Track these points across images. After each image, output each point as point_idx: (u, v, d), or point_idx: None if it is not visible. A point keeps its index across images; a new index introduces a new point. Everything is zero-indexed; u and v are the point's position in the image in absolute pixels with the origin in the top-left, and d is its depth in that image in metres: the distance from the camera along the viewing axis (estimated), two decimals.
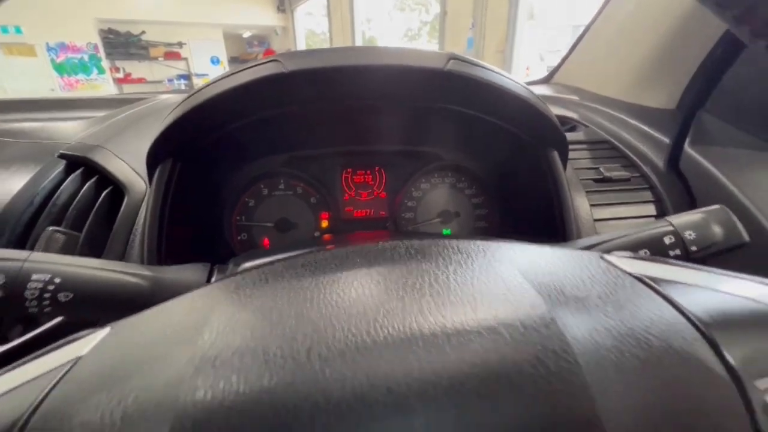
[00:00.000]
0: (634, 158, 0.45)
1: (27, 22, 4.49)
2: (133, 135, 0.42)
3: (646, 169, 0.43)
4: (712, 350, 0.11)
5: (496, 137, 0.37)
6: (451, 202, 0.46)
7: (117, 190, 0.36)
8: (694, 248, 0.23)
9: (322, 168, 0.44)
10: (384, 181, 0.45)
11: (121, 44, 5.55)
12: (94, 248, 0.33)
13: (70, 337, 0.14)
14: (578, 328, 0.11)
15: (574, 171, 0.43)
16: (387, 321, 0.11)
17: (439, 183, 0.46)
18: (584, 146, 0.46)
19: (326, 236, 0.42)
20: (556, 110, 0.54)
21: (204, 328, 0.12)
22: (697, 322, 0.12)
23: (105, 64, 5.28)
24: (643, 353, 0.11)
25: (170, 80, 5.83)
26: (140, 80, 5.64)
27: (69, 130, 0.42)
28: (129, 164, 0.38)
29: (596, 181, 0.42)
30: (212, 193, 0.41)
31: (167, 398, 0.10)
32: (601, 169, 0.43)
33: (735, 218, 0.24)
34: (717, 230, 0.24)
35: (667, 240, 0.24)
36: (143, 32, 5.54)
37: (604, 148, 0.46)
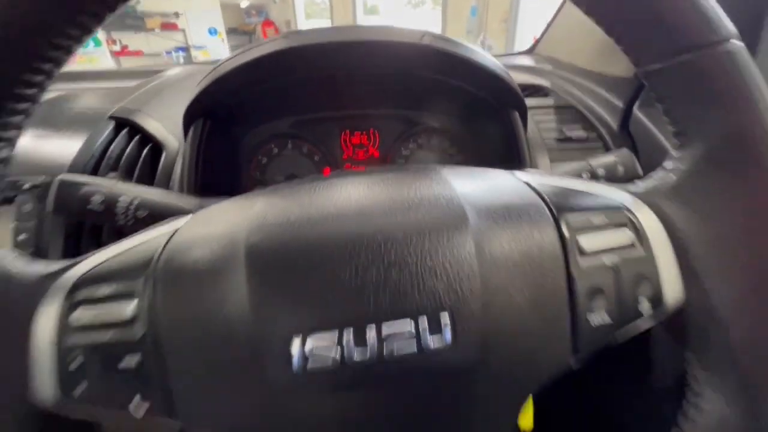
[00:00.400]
0: (594, 121, 0.52)
1: None
2: (163, 101, 0.49)
3: (603, 130, 0.51)
4: (550, 213, 0.19)
5: (469, 102, 0.45)
6: (434, 159, 0.53)
7: (155, 147, 0.44)
8: (602, 180, 0.31)
9: (323, 130, 0.52)
10: (377, 141, 0.52)
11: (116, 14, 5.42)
12: None
13: (169, 219, 0.22)
14: (472, 195, 0.19)
15: (540, 132, 0.50)
16: (351, 198, 0.19)
17: (424, 143, 0.53)
18: (551, 110, 0.53)
19: None
20: (531, 79, 0.60)
21: (254, 205, 0.20)
22: (546, 199, 0.20)
23: (101, 35, 5.17)
24: (509, 211, 0.19)
25: (168, 53, 5.73)
26: (137, 53, 5.55)
27: (110, 97, 0.49)
28: (163, 125, 0.45)
29: (558, 140, 0.50)
30: (232, 151, 0.48)
31: (240, 237, 0.18)
32: (564, 130, 0.50)
33: (635, 159, 0.31)
34: (620, 168, 0.31)
35: (584, 175, 0.32)
36: (138, 2, 5.39)
37: (569, 113, 0.53)
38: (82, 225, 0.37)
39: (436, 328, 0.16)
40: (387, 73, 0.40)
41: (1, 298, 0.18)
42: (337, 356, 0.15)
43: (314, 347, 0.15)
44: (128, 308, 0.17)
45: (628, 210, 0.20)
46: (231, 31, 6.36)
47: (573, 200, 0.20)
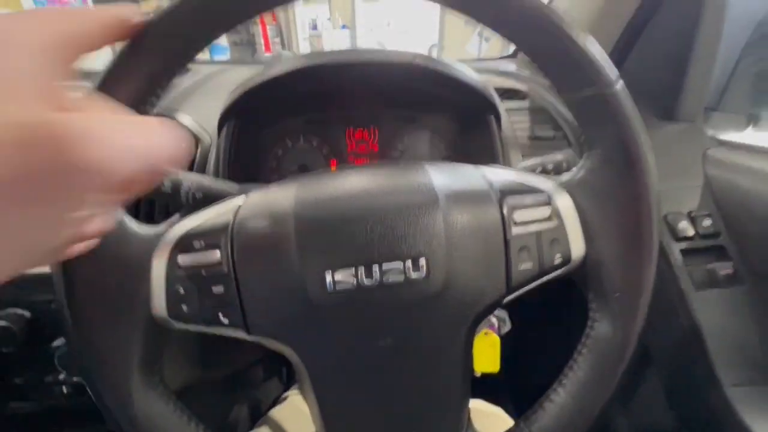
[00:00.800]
0: (561, 122, 0.61)
1: None
2: (194, 101, 0.57)
3: (567, 130, 0.60)
4: (495, 198, 0.28)
5: (454, 105, 0.53)
6: (426, 152, 0.62)
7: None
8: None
9: (331, 127, 0.60)
10: (376, 136, 0.61)
11: None
12: None
13: (225, 199, 0.31)
14: (443, 185, 0.28)
15: (515, 132, 0.59)
16: (361, 184, 0.29)
17: (417, 139, 0.62)
18: (526, 112, 0.62)
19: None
20: (511, 83, 0.69)
21: (295, 188, 0.29)
22: (495, 187, 0.29)
23: None
24: (468, 195, 0.28)
25: None
26: None
27: None
28: (197, 121, 0.54)
29: (530, 138, 0.59)
30: (254, 145, 0.57)
31: (288, 208, 0.27)
32: (535, 130, 0.59)
33: (576, 158, 0.41)
34: (565, 165, 0.41)
35: (537, 170, 0.41)
36: None
37: (541, 115, 0.62)
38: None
39: (416, 267, 0.25)
40: (386, 84, 0.49)
41: (129, 249, 0.27)
42: (354, 282, 0.25)
43: (340, 277, 0.25)
44: (216, 255, 0.26)
45: (550, 194, 0.29)
46: None
47: (513, 187, 0.29)
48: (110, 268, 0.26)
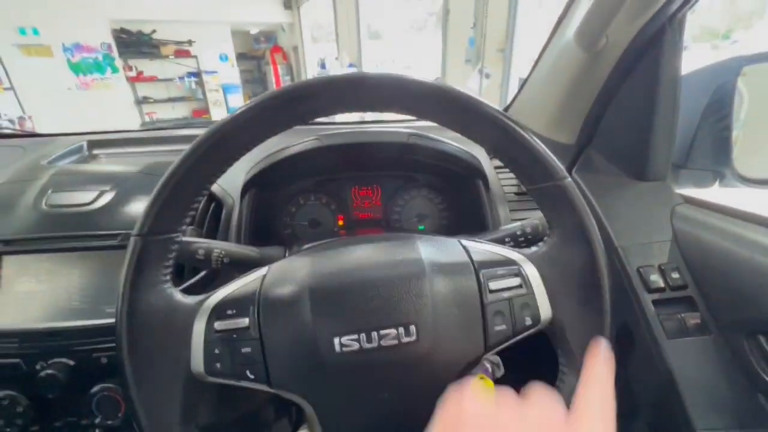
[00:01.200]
0: None
1: (43, 23, 4.64)
2: None
3: None
4: (473, 269, 0.34)
5: (447, 170, 0.61)
6: (424, 207, 0.69)
7: (218, 203, 0.60)
8: (529, 237, 0.47)
9: (338, 186, 0.68)
10: (379, 194, 0.68)
11: (133, 43, 5.71)
12: (209, 237, 0.57)
13: (255, 269, 0.37)
14: (430, 258, 0.34)
15: (502, 188, 0.66)
16: (361, 257, 0.35)
17: (416, 195, 0.69)
18: None
19: (342, 232, 0.66)
20: None
21: (309, 261, 0.35)
22: (473, 259, 0.35)
23: (118, 62, 5.44)
24: (450, 268, 0.34)
25: (181, 78, 6.03)
26: (152, 78, 5.86)
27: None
28: (221, 186, 0.62)
29: (516, 194, 0.65)
30: (270, 204, 0.64)
31: (304, 281, 0.33)
32: (521, 186, 0.66)
33: (545, 223, 0.47)
34: (540, 229, 0.47)
35: (518, 231, 0.47)
36: (154, 31, 5.70)
37: None
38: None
39: (408, 333, 0.31)
40: (386, 155, 0.58)
41: (174, 315, 0.33)
42: (358, 346, 0.31)
43: (345, 341, 0.31)
44: (245, 321, 0.32)
45: (521, 266, 0.35)
46: (240, 56, 6.69)
47: (488, 258, 0.35)
48: (160, 333, 0.32)
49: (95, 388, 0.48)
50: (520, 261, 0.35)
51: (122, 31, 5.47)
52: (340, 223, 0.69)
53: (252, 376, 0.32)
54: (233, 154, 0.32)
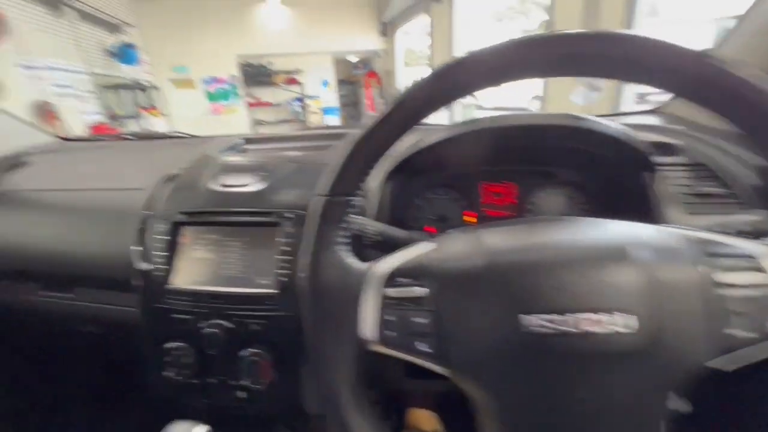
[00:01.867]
0: (729, 179, 0.55)
1: (191, 61, 5.71)
2: None
3: (736, 188, 0.54)
4: (703, 258, 0.28)
5: (599, 162, 0.54)
6: (564, 208, 0.62)
7: None
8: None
9: (466, 181, 0.65)
10: (514, 191, 0.64)
11: (254, 74, 6.65)
12: None
13: (415, 243, 0.36)
14: (638, 245, 0.29)
15: (672, 188, 0.55)
16: (559, 235, 0.31)
17: (555, 193, 0.63)
18: (681, 168, 0.58)
19: None
20: (661, 137, 0.66)
21: (481, 238, 0.32)
22: (705, 249, 0.28)
23: (241, 91, 6.38)
24: (672, 253, 0.28)
25: (289, 103, 6.82)
26: (267, 104, 6.74)
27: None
28: None
29: (689, 195, 0.54)
30: (402, 196, 0.65)
31: (482, 254, 0.30)
32: (695, 186, 0.55)
33: None
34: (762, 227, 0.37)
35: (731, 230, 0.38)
36: (271, 63, 6.58)
37: (699, 170, 0.58)
38: None
39: (624, 321, 0.26)
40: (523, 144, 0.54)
41: (347, 280, 0.33)
42: (552, 327, 0.26)
43: (536, 321, 0.27)
44: (420, 291, 0.31)
45: (760, 260, 0.27)
46: (341, 82, 7.32)
47: (714, 248, 0.28)
48: (337, 292, 0.32)
49: (245, 352, 0.52)
50: (760, 255, 0.28)
51: (247, 64, 6.42)
52: (469, 219, 0.66)
53: (423, 349, 0.30)
54: (413, 117, 0.32)
